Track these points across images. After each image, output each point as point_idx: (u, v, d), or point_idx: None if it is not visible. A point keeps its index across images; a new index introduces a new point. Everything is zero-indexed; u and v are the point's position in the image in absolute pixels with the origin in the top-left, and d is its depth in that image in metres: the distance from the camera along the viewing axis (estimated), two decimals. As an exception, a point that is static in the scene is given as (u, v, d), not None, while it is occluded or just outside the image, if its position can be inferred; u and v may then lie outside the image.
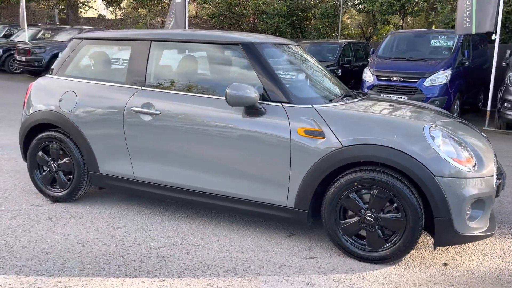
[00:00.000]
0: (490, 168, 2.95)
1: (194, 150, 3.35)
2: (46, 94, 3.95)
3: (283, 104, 3.16)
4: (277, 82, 3.23)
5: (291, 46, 3.86)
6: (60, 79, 3.95)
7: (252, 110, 3.16)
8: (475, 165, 2.88)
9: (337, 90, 3.68)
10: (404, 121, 3.03)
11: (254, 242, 3.30)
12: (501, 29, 9.20)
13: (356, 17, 21.12)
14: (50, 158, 3.95)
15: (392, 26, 16.79)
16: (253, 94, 3.06)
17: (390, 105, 3.55)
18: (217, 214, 3.81)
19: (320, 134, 3.01)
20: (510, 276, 2.88)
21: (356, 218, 3.01)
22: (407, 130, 2.90)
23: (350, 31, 19.32)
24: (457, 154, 2.86)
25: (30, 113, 3.99)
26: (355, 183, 2.95)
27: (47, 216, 3.67)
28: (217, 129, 3.26)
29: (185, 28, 13.00)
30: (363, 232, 3.05)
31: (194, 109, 3.35)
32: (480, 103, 10.87)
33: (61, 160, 3.91)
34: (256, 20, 18.14)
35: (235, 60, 3.51)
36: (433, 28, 17.51)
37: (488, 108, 8.91)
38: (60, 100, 3.83)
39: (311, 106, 3.14)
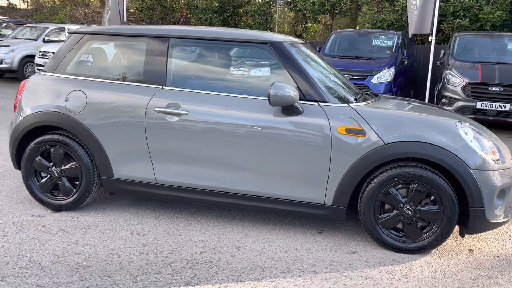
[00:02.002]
0: (508, 159, 3.26)
1: (227, 151, 3.28)
2: (45, 94, 3.61)
3: (320, 103, 3.21)
4: (311, 81, 3.27)
5: (306, 46, 3.90)
6: (62, 77, 3.62)
7: (290, 109, 3.17)
8: (499, 157, 3.17)
9: (354, 90, 3.80)
10: (437, 119, 3.23)
11: (290, 240, 3.32)
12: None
13: (280, 15, 21.60)
14: (51, 164, 3.62)
15: (322, 25, 17.48)
16: (292, 93, 3.08)
17: (408, 103, 3.75)
18: (237, 214, 3.76)
19: (361, 132, 3.11)
20: (529, 257, 3.23)
21: (395, 212, 3.16)
22: (443, 127, 3.10)
23: (281, 29, 19.73)
24: (486, 148, 3.12)
25: (25, 115, 3.62)
26: (395, 179, 3.09)
27: (59, 227, 3.37)
28: (252, 129, 3.22)
29: (121, 22, 12.44)
30: (398, 225, 3.21)
31: (226, 110, 3.28)
32: (411, 99, 11.75)
33: (64, 165, 3.60)
34: (189, 15, 17.83)
35: (263, 59, 3.48)
36: (357, 28, 18.51)
37: (425, 104, 9.66)
38: (66, 100, 3.52)
39: (347, 105, 3.23)
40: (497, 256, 3.22)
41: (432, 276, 2.88)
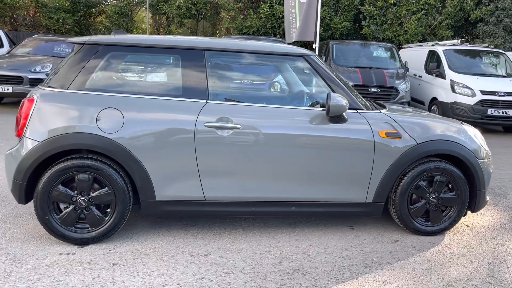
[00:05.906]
0: (489, 150, 4.08)
1: (280, 161, 3.36)
2: (66, 114, 3.13)
3: (358, 111, 3.54)
4: (346, 91, 3.57)
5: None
6: (84, 94, 3.19)
7: (339, 118, 3.43)
8: (487, 149, 3.94)
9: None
10: (447, 120, 3.85)
11: (339, 240, 3.57)
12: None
13: (141, 18, 20.94)
14: (76, 192, 3.17)
15: (187, 29, 17.53)
16: (344, 102, 3.34)
17: (413, 109, 4.32)
18: (264, 222, 3.83)
19: (397, 135, 3.54)
20: (510, 224, 4.08)
21: (423, 202, 3.68)
22: (455, 127, 3.73)
23: (140, 31, 19.05)
24: (481, 141, 3.85)
25: (43, 139, 3.09)
26: (425, 173, 3.61)
27: (108, 262, 3.01)
28: (304, 139, 3.37)
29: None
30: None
31: (275, 121, 3.36)
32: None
33: (92, 193, 3.20)
34: (37, 14, 15.98)
35: (297, 71, 3.63)
36: (217, 34, 19.09)
37: (311, 104, 10.66)
38: (97, 120, 3.12)
39: (379, 111, 3.63)
40: (488, 227, 4.01)
41: (468, 251, 3.47)
